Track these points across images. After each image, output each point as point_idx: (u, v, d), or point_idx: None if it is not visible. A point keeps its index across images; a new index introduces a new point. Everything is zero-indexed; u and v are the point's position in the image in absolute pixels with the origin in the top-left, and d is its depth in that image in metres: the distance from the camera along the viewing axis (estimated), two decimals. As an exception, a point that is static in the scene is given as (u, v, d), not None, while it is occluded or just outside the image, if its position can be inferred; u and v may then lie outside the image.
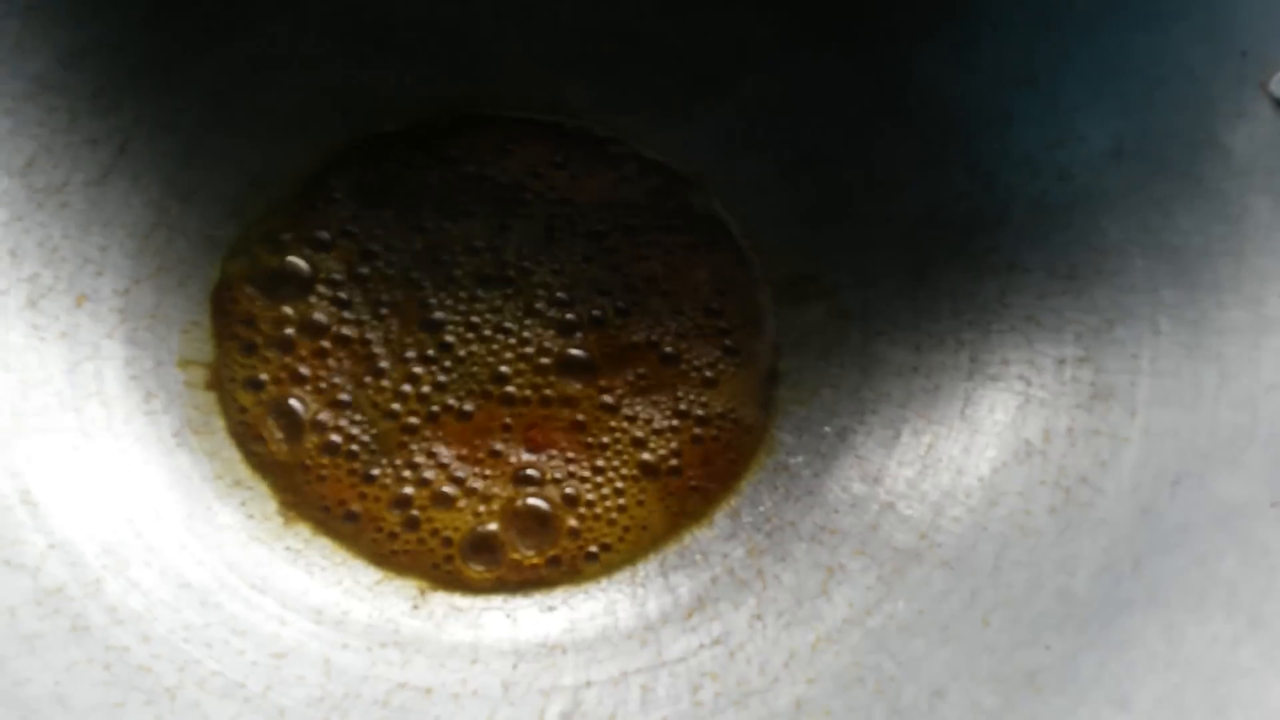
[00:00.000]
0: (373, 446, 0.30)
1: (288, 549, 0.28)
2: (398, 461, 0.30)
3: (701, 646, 0.27)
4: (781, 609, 0.28)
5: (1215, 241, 0.27)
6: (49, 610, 0.23)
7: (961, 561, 0.27)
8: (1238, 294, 0.26)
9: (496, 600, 0.29)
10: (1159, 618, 0.22)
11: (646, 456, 0.31)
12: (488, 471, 0.30)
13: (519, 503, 0.30)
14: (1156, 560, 0.23)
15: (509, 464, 0.31)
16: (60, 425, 0.27)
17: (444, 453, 0.30)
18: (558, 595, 0.29)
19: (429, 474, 0.30)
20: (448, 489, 0.30)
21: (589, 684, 0.26)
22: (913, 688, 0.24)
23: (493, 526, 0.30)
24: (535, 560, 0.30)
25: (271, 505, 0.29)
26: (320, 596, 0.27)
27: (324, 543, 0.29)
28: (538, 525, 0.30)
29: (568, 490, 0.30)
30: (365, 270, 0.32)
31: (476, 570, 0.29)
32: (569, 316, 0.33)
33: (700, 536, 0.30)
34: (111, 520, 0.26)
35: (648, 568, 0.30)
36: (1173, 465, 0.25)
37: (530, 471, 0.31)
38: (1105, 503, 0.25)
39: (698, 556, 0.30)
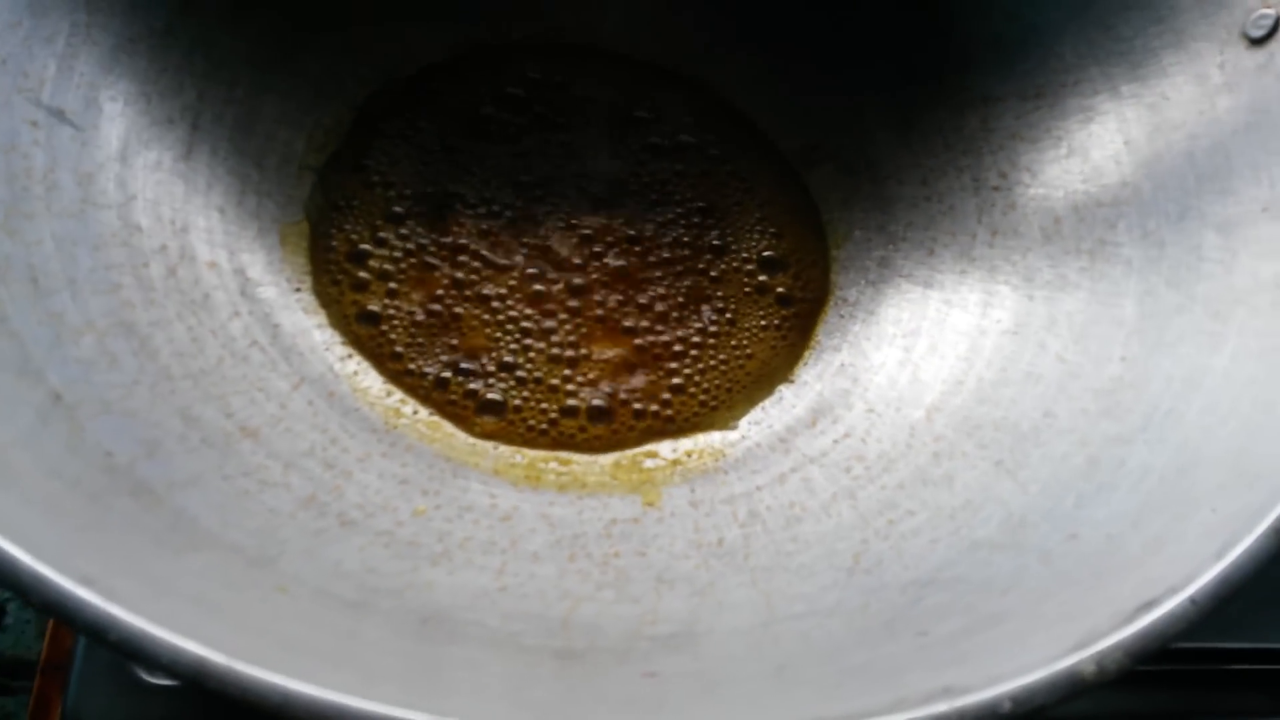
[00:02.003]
0: (514, 360, 0.34)
1: (469, 445, 0.32)
2: (526, 362, 0.34)
3: (834, 442, 0.33)
4: (887, 400, 0.33)
5: (1154, 40, 0.33)
6: (316, 513, 0.26)
7: (1021, 328, 0.33)
8: (1184, 74, 0.33)
9: (651, 447, 0.33)
10: (1203, 310, 0.29)
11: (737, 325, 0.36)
12: (602, 350, 0.35)
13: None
14: (1185, 273, 0.30)
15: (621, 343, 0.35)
16: (239, 374, 0.30)
17: (563, 355, 0.34)
18: (696, 437, 0.34)
19: (571, 359, 0.34)
20: (573, 384, 0.34)
21: (758, 489, 0.31)
22: (1024, 420, 0.30)
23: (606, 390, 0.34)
24: (667, 412, 0.34)
25: (436, 412, 0.32)
26: (510, 475, 0.31)
27: (493, 434, 0.32)
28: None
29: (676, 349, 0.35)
30: (436, 207, 0.36)
31: (612, 430, 0.34)
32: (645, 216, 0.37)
33: (796, 370, 0.35)
34: (319, 441, 0.29)
35: (763, 403, 0.35)
36: (1173, 209, 0.31)
37: (638, 341, 0.35)
38: (1126, 250, 0.32)
39: (800, 383, 0.35)
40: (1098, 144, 0.34)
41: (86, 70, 0.30)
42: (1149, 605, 0.17)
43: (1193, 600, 0.17)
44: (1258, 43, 0.31)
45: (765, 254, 0.37)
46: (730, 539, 0.29)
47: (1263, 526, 0.19)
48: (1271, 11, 0.31)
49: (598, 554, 0.28)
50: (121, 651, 0.16)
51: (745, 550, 0.28)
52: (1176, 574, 0.18)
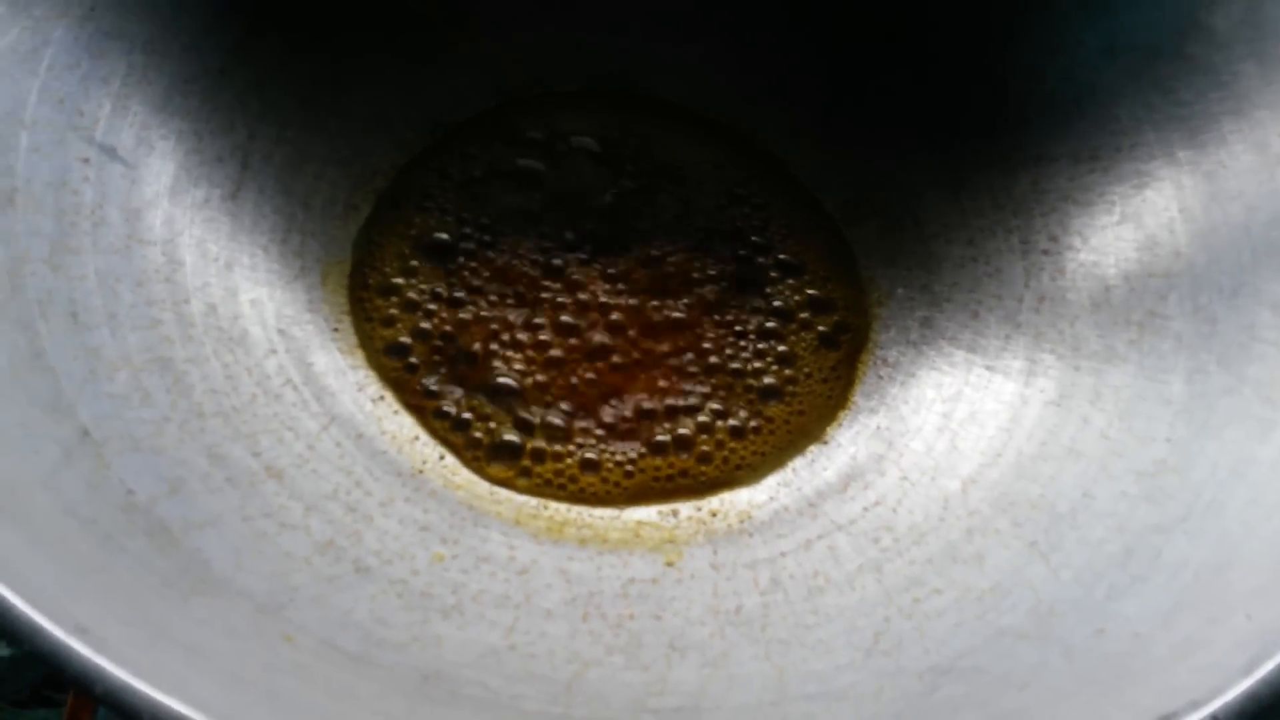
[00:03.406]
0: (526, 408, 0.34)
1: (490, 493, 0.32)
2: (556, 411, 0.34)
3: (865, 509, 0.32)
4: (923, 468, 0.32)
5: (1214, 105, 0.32)
6: (332, 558, 0.26)
7: (1064, 399, 0.32)
8: (1244, 142, 0.32)
9: (676, 505, 0.32)
10: (1253, 393, 0.27)
11: (770, 380, 0.35)
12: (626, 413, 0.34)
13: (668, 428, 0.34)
14: (1237, 353, 0.29)
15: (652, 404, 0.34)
16: (270, 412, 0.30)
17: (593, 403, 0.34)
18: (723, 496, 0.33)
19: (581, 422, 0.34)
20: (599, 433, 0.34)
21: (783, 554, 0.30)
22: (1062, 499, 0.29)
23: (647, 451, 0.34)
24: (701, 470, 0.34)
25: (459, 458, 0.32)
26: (532, 526, 0.31)
27: (511, 482, 0.32)
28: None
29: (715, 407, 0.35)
30: (477, 246, 0.36)
31: (638, 484, 0.33)
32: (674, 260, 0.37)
33: (830, 430, 0.35)
34: (343, 484, 0.29)
35: (794, 464, 0.34)
36: (1227, 284, 0.30)
37: (674, 402, 0.35)
38: (1175, 325, 0.31)
39: (834, 445, 0.34)
40: (1151, 211, 0.33)
41: (140, 110, 0.31)
42: (1168, 718, 0.16)
43: (1215, 717, 0.16)
44: (1323, 114, 0.30)
45: (804, 313, 0.36)
46: (749, 606, 0.28)
47: (1299, 639, 0.18)
48: (1339, 83, 0.30)
49: (612, 615, 0.27)
50: (107, 705, 0.16)
51: (763, 620, 0.28)
52: (1201, 685, 0.17)
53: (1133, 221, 0.34)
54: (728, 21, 0.39)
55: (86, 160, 0.30)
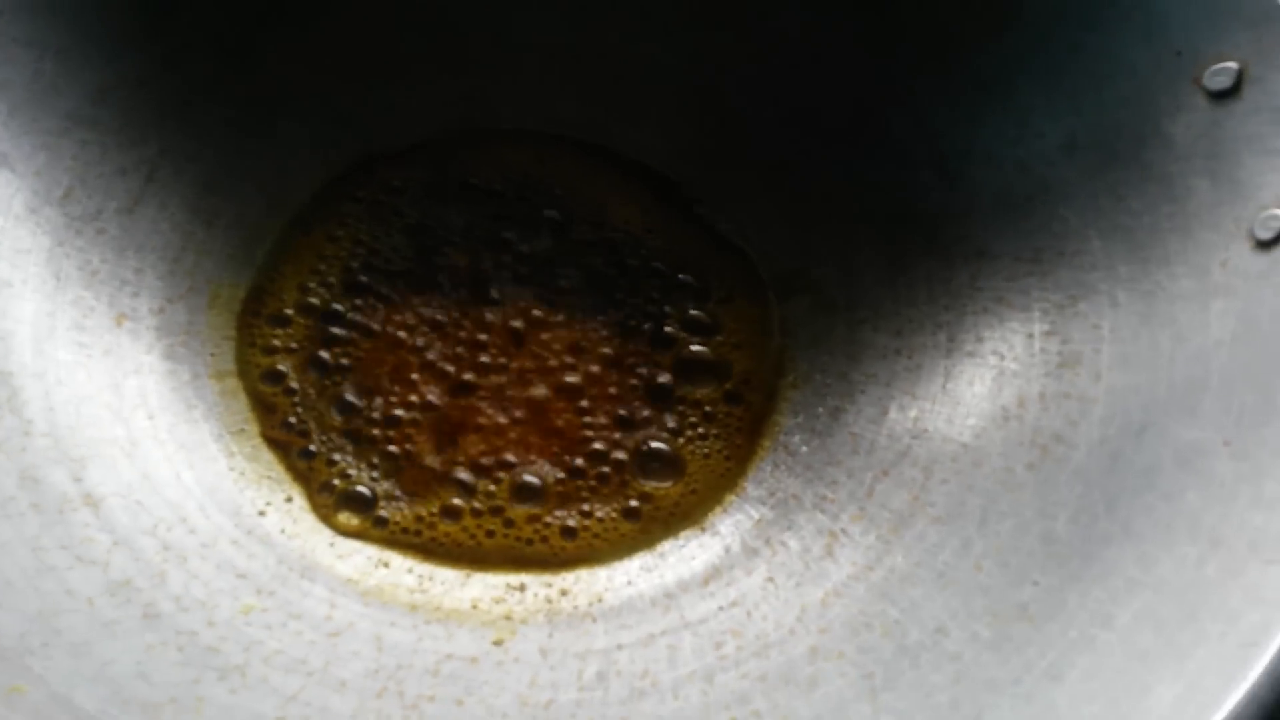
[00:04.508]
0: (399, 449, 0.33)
1: (330, 544, 0.30)
2: (428, 460, 0.32)
3: (720, 609, 0.30)
4: (791, 571, 0.30)
5: (1163, 220, 0.30)
6: (122, 600, 0.25)
7: (952, 517, 0.29)
8: (1186, 265, 0.29)
9: (526, 578, 0.31)
10: (1133, 548, 0.25)
11: (659, 445, 0.34)
12: (505, 470, 0.33)
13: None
14: (1128, 500, 0.26)
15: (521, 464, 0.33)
16: (112, 435, 0.29)
17: (471, 451, 0.33)
18: (580, 573, 0.31)
19: (461, 474, 0.32)
20: (465, 487, 0.32)
21: (620, 646, 0.29)
22: (916, 628, 0.27)
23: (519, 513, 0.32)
24: (562, 545, 0.32)
25: (308, 503, 0.31)
26: (365, 583, 0.29)
27: (362, 533, 0.31)
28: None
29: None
30: (379, 282, 0.35)
31: (492, 545, 0.32)
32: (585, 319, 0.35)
33: (712, 514, 0.33)
34: (167, 519, 0.28)
35: (663, 546, 0.32)
36: (1137, 418, 0.28)
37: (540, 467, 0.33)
38: (1078, 456, 0.28)
39: (711, 532, 0.32)
40: (1082, 326, 0.31)
41: (43, 117, 0.31)
42: None
43: None
44: (1264, 245, 0.27)
45: (713, 384, 0.35)
46: (561, 703, 0.26)
47: None
48: (1283, 213, 0.27)
49: (411, 694, 0.26)
50: None
51: (569, 720, 0.26)
52: None
53: (1061, 335, 0.31)
54: (682, 78, 0.37)
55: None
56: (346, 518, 0.31)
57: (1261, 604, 0.21)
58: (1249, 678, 0.20)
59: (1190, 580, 0.23)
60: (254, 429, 0.32)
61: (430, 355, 0.33)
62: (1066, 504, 0.27)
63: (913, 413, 0.33)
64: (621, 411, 0.34)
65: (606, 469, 0.33)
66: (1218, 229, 0.28)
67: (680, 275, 0.36)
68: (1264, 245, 0.27)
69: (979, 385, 0.32)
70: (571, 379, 0.34)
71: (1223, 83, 0.28)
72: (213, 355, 0.33)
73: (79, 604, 0.24)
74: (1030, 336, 0.32)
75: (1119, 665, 0.22)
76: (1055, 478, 0.28)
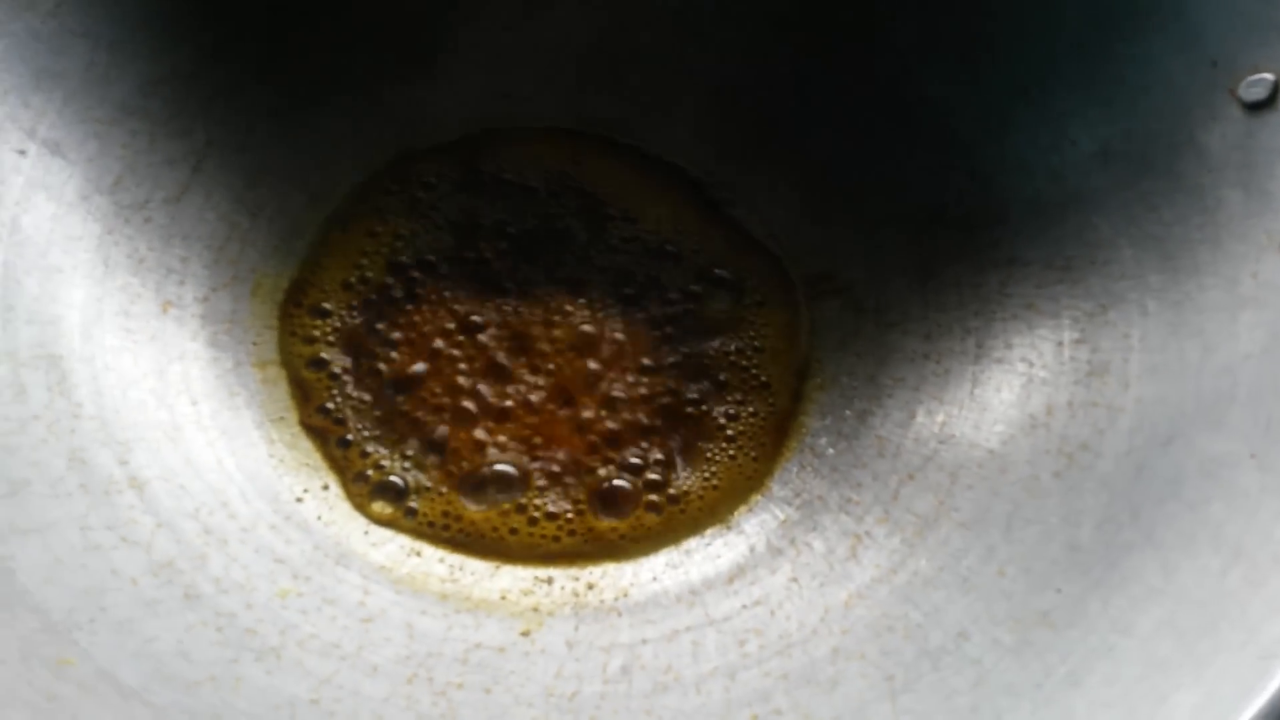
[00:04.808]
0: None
1: (365, 532, 0.31)
2: (463, 454, 0.33)
3: (744, 607, 0.30)
4: (815, 572, 0.31)
5: (1194, 230, 0.30)
6: (164, 581, 0.26)
7: (977, 523, 0.30)
8: (1216, 276, 0.29)
9: (554, 571, 0.31)
10: (1155, 557, 0.25)
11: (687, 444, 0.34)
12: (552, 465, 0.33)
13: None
14: (1152, 509, 0.26)
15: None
16: (157, 420, 0.30)
17: (502, 447, 0.33)
18: (606, 567, 0.32)
19: (493, 463, 0.33)
20: (497, 481, 0.33)
21: (644, 641, 0.29)
22: (938, 632, 0.27)
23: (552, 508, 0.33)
24: (587, 531, 0.32)
25: (343, 491, 0.32)
26: (397, 571, 0.30)
27: (394, 522, 0.32)
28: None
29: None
30: (417, 277, 0.35)
31: (521, 540, 0.32)
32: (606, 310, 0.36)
33: (738, 513, 0.33)
34: (208, 503, 0.29)
35: (689, 543, 0.33)
36: (1164, 429, 0.28)
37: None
38: (1104, 465, 0.28)
39: (736, 531, 0.33)
40: (1111, 335, 0.31)
41: (95, 107, 0.32)
42: None
43: None
44: (1296, 259, 0.27)
45: (740, 384, 0.35)
46: (586, 694, 0.27)
47: None
48: (1316, 226, 0.27)
49: (440, 680, 0.27)
50: None
51: (594, 711, 0.26)
52: None
53: (1090, 343, 0.31)
54: (714, 79, 0.37)
55: (23, 152, 0.30)
56: (380, 507, 0.31)
57: (1282, 616, 0.21)
58: (1268, 689, 0.20)
59: (1212, 590, 0.23)
60: (293, 417, 0.33)
61: (464, 352, 0.34)
62: (1091, 512, 0.28)
63: (940, 418, 0.33)
64: (651, 409, 0.34)
65: (636, 467, 0.33)
66: (1248, 240, 0.29)
67: (715, 272, 0.36)
68: (1297, 258, 0.27)
69: (1007, 392, 0.32)
70: (603, 377, 0.34)
71: (1258, 94, 0.28)
72: (255, 344, 0.33)
73: (123, 583, 0.25)
74: (1060, 344, 0.32)
75: (1138, 673, 0.22)
76: (1081, 485, 0.28)
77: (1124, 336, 0.31)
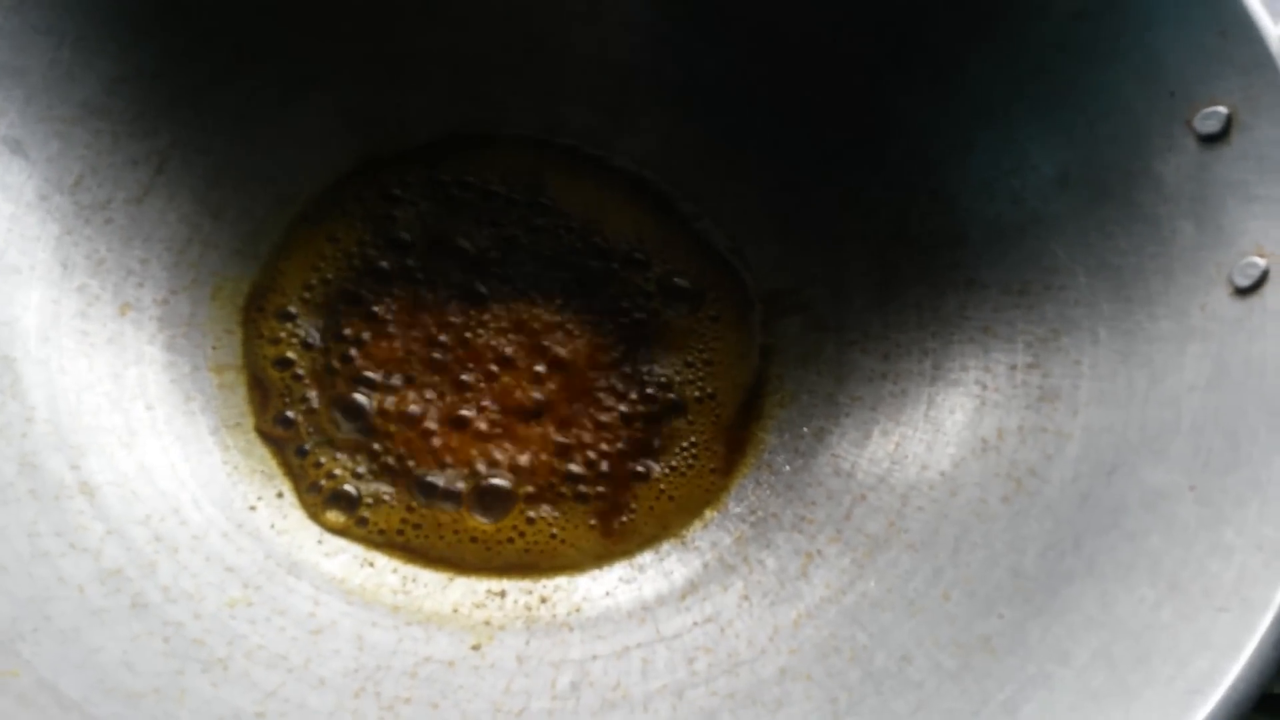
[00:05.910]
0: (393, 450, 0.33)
1: (318, 541, 0.31)
2: (419, 460, 0.33)
3: (695, 624, 0.30)
4: (766, 590, 0.31)
5: (1148, 260, 0.30)
6: (111, 589, 0.26)
7: (925, 545, 0.30)
8: (1167, 306, 0.29)
9: (507, 584, 0.32)
10: (1095, 587, 0.25)
11: (644, 457, 0.34)
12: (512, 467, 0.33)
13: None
14: (1093, 539, 0.26)
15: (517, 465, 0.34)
16: (111, 424, 0.30)
17: (457, 455, 0.33)
18: (560, 581, 0.32)
19: (446, 471, 0.33)
20: (450, 492, 0.33)
21: (594, 657, 0.29)
22: (883, 654, 0.27)
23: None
24: (541, 552, 0.33)
25: (297, 499, 0.32)
26: (350, 582, 0.30)
27: (346, 531, 0.32)
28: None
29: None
30: (377, 283, 0.35)
31: (490, 560, 0.32)
32: (565, 321, 0.36)
33: (692, 528, 0.33)
34: (160, 510, 0.29)
35: (643, 558, 0.33)
36: (1109, 457, 0.28)
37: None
38: (1050, 491, 0.29)
39: (690, 546, 0.33)
40: (1063, 361, 0.31)
41: (58, 106, 0.31)
42: None
43: None
44: (1242, 292, 0.28)
45: (696, 397, 0.35)
46: (534, 711, 0.27)
47: None
48: (1262, 262, 0.27)
49: (388, 695, 0.27)
50: None
51: (539, 727, 0.27)
52: None
53: (1042, 368, 0.32)
54: (683, 94, 0.38)
55: (-17, 152, 0.30)
56: (334, 516, 0.32)
57: (1210, 650, 0.22)
58: (1192, 724, 0.21)
59: (1146, 622, 0.23)
60: (249, 423, 0.33)
61: (422, 358, 0.34)
62: (1036, 539, 0.28)
63: (894, 438, 0.33)
64: (607, 419, 0.34)
65: (591, 478, 0.33)
66: (1199, 273, 0.29)
67: (675, 282, 0.36)
68: (1242, 292, 0.28)
69: (960, 414, 0.32)
70: (562, 386, 0.34)
71: (1212, 126, 0.29)
72: (214, 348, 0.33)
73: (70, 591, 0.25)
74: (1013, 368, 0.32)
75: (1072, 703, 0.23)
76: (1027, 511, 0.29)
77: (1075, 363, 0.31)
